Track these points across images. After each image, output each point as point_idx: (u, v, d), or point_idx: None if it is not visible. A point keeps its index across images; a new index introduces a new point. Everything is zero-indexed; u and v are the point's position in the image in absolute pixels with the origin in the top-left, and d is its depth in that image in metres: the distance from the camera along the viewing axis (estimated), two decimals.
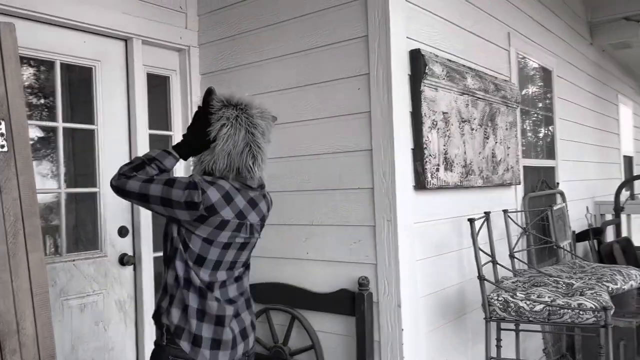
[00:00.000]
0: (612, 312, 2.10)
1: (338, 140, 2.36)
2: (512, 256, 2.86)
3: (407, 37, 2.33)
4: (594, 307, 2.11)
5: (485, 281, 2.30)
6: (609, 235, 4.74)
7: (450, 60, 2.59)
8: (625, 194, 5.13)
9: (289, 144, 2.52)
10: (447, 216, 2.58)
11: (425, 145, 2.33)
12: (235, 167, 1.62)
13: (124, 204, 2.57)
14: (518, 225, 3.09)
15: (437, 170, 2.40)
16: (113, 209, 2.57)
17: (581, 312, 2.10)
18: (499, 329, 2.52)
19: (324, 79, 2.40)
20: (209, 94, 1.67)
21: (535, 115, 3.93)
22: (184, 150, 1.68)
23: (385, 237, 2.21)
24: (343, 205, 2.35)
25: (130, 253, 2.62)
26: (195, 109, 2.88)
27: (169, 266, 1.63)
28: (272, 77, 2.59)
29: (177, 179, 1.57)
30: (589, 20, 5.15)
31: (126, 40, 2.64)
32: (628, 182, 5.17)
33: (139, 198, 1.58)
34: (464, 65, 2.71)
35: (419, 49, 2.34)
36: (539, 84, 4.05)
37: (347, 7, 2.32)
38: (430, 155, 2.36)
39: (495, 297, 2.27)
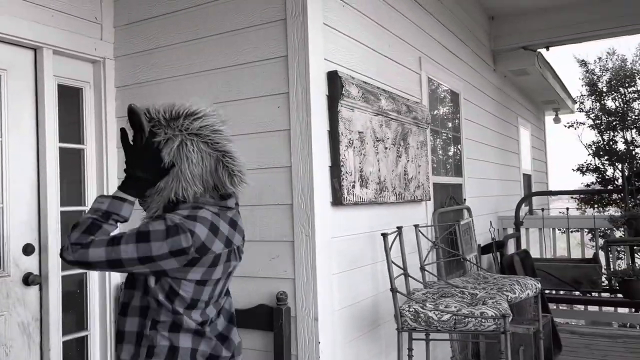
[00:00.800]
0: (510, 319, 2.28)
1: (258, 157, 2.39)
2: (422, 269, 3.01)
3: (325, 59, 2.42)
4: (494, 315, 2.27)
5: (397, 293, 2.41)
6: (510, 247, 5.10)
7: (365, 82, 2.71)
8: (524, 209, 5.55)
9: None
10: (362, 231, 2.68)
11: (342, 163, 2.42)
12: (210, 188, 1.41)
13: (31, 218, 2.44)
14: (428, 239, 3.26)
15: (353, 187, 2.50)
16: (17, 225, 2.43)
17: (483, 320, 2.26)
18: (410, 339, 2.64)
19: (244, 96, 2.43)
20: (135, 115, 1.38)
21: (444, 135, 4.18)
22: (136, 188, 1.40)
23: (304, 252, 2.26)
24: (263, 221, 2.38)
25: (35, 272, 2.48)
26: (111, 122, 2.81)
27: (141, 314, 1.41)
28: (190, 93, 2.58)
29: (150, 230, 1.31)
30: (492, 49, 5.56)
31: (35, 50, 2.53)
32: (527, 198, 5.60)
33: (110, 266, 1.32)
34: (378, 87, 2.84)
35: (336, 70, 2.44)
36: (448, 105, 4.32)
37: (267, 28, 2.38)
38: (346, 172, 2.45)
39: (407, 308, 2.39)
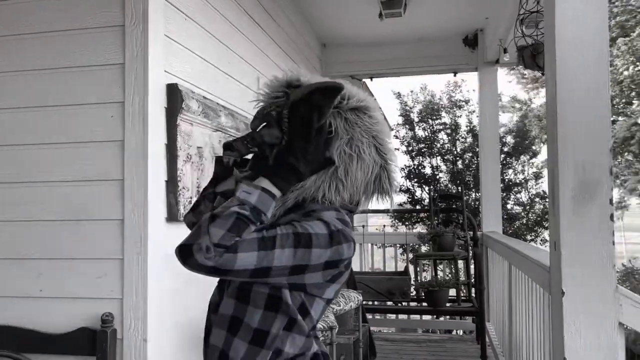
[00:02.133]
0: (336, 330, 2.44)
1: (87, 168, 2.23)
2: None
3: (166, 71, 2.36)
4: (322, 328, 2.41)
5: None
6: None
7: (206, 98, 2.70)
8: None
9: (26, 169, 2.27)
10: None
11: (179, 178, 2.37)
12: (363, 196, 1.18)
13: None
14: None
15: (190, 202, 2.46)
16: None
17: None
18: None
19: (75, 102, 2.26)
20: (337, 92, 1.09)
21: None
22: (289, 182, 1.08)
23: (135, 270, 2.15)
24: (89, 238, 2.21)
25: None
26: None
27: (257, 343, 1.08)
28: (8, 93, 2.32)
29: (312, 233, 1.04)
30: (324, 74, 5.92)
31: None
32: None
33: (251, 275, 1.01)
34: (218, 104, 2.85)
35: (176, 83, 2.40)
36: None
37: (103, 32, 2.25)
38: (184, 187, 2.40)
39: None
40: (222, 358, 1.12)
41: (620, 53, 10.69)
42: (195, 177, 2.51)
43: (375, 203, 1.24)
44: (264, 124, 1.14)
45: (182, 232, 2.48)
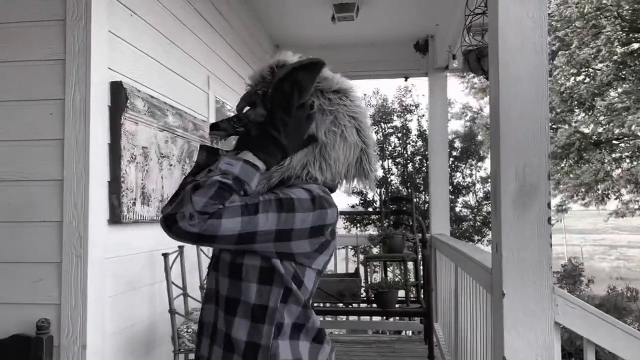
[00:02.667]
0: None
1: (22, 168, 2.13)
2: (202, 288, 3.00)
3: (110, 68, 2.28)
4: None
5: (175, 314, 2.37)
6: None
7: (152, 97, 2.63)
8: None
9: None
10: (142, 250, 2.57)
11: (123, 179, 2.30)
12: (344, 179, 1.21)
13: None
14: (210, 258, 3.27)
15: (134, 204, 2.39)
16: None
17: None
18: None
19: (11, 98, 2.15)
20: (319, 67, 1.14)
21: None
22: (272, 155, 1.10)
23: (73, 274, 2.07)
24: (25, 240, 2.11)
25: None
26: None
27: (258, 319, 1.08)
28: None
29: (294, 197, 1.06)
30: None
31: None
32: None
33: (237, 241, 1.02)
34: (165, 103, 2.78)
35: (121, 81, 2.32)
36: None
37: (43, 26, 2.15)
38: (127, 188, 2.33)
39: (185, 329, 2.36)
40: (227, 341, 1.10)
41: (560, 64, 11.17)
42: (139, 178, 2.44)
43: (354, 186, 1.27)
44: (250, 105, 1.17)
45: (125, 235, 2.42)
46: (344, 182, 1.22)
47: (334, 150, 1.15)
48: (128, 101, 2.30)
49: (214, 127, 1.18)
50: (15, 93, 2.15)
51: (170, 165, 2.78)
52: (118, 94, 2.29)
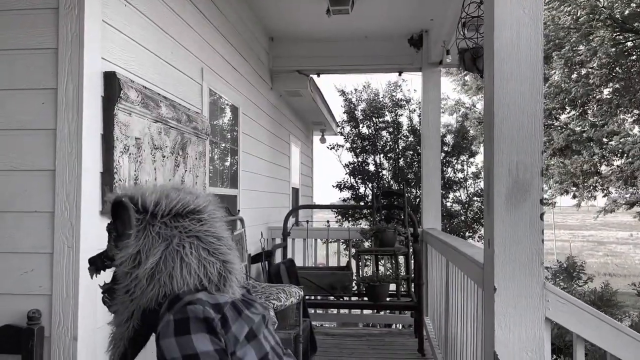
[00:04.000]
0: (276, 326, 2.43)
1: (13, 157, 2.11)
2: None
3: (103, 58, 2.26)
4: None
5: None
6: (278, 256, 5.41)
7: (146, 87, 2.62)
8: (291, 220, 5.95)
9: None
10: None
11: (115, 170, 2.29)
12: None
13: None
14: None
15: None
16: None
17: None
18: None
19: (3, 87, 2.12)
20: (123, 210, 1.37)
21: (223, 147, 4.25)
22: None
23: (65, 265, 2.06)
24: (15, 231, 2.09)
25: None
26: None
27: None
28: None
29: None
30: (271, 68, 5.88)
31: None
32: (294, 211, 6.02)
33: None
34: (159, 94, 2.77)
35: (114, 71, 2.30)
36: (227, 118, 4.42)
37: (34, 14, 2.13)
38: (120, 179, 2.32)
39: None
40: None
41: (557, 65, 11.22)
42: (132, 169, 2.43)
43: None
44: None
45: None
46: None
47: (174, 275, 1.29)
48: (122, 92, 2.29)
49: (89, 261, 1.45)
50: (8, 82, 2.13)
51: (164, 156, 2.77)
52: (111, 84, 2.28)
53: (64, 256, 2.06)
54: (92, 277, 1.47)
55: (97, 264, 1.42)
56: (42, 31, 2.12)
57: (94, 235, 2.16)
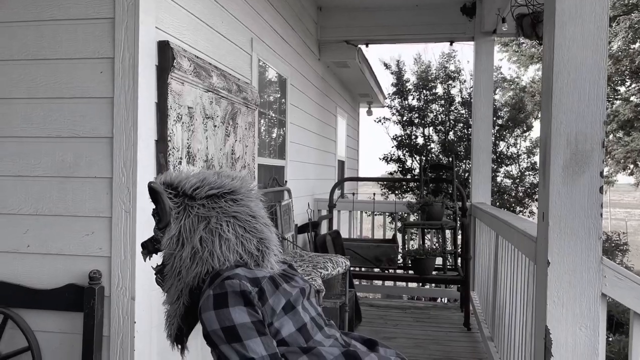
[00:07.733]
0: (323, 294, 2.47)
1: (75, 125, 2.19)
2: None
3: (157, 28, 2.30)
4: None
5: None
6: (323, 228, 5.47)
7: (197, 57, 2.65)
8: (337, 192, 5.98)
9: (12, 123, 2.23)
10: None
11: (169, 138, 2.34)
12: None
13: None
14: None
15: (180, 163, 2.44)
16: None
17: None
18: None
19: (61, 56, 2.20)
20: (157, 194, 1.44)
21: (271, 117, 4.28)
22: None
23: (123, 228, 2.14)
24: (76, 195, 2.19)
25: None
26: None
27: None
28: None
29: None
30: (319, 38, 5.83)
31: None
32: (340, 183, 6.02)
33: None
34: (210, 64, 2.80)
35: (168, 41, 2.34)
36: (276, 89, 4.43)
37: None
38: (174, 148, 2.38)
39: None
40: None
41: (620, 31, 10.58)
42: (185, 138, 2.48)
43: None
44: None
45: None
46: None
47: (215, 251, 1.37)
48: (175, 61, 2.32)
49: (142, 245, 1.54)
50: (67, 51, 2.20)
51: (215, 126, 2.82)
52: (165, 53, 2.32)
53: (121, 220, 2.15)
54: (145, 260, 1.55)
55: (148, 247, 1.51)
56: (100, 1, 2.17)
57: (149, 201, 2.23)
